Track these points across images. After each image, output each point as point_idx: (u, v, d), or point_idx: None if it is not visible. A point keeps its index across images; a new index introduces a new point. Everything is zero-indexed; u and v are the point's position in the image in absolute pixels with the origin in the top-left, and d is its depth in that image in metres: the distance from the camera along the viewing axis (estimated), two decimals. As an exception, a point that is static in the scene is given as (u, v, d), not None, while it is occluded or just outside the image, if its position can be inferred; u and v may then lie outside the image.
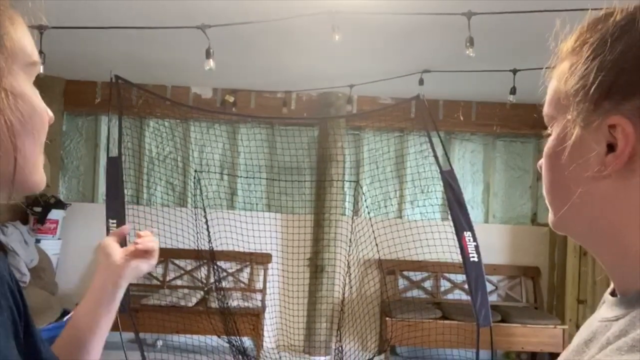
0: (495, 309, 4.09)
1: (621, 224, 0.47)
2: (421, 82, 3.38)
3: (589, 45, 0.48)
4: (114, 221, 3.23)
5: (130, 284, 3.46)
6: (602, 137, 0.46)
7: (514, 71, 3.05)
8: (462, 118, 4.53)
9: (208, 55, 2.22)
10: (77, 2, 2.37)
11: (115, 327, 2.93)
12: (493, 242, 4.49)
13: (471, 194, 4.68)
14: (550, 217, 0.55)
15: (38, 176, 0.60)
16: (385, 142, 4.57)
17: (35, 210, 3.99)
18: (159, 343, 4.30)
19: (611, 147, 0.46)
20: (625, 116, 0.45)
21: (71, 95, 4.44)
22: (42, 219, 3.98)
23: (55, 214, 4.10)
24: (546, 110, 0.55)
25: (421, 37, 2.96)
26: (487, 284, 4.45)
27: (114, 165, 3.29)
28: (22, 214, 4.03)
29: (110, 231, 3.21)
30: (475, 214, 4.64)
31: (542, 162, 0.54)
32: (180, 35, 2.82)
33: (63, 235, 4.24)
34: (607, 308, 0.50)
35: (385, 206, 4.50)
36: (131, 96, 4.39)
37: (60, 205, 4.18)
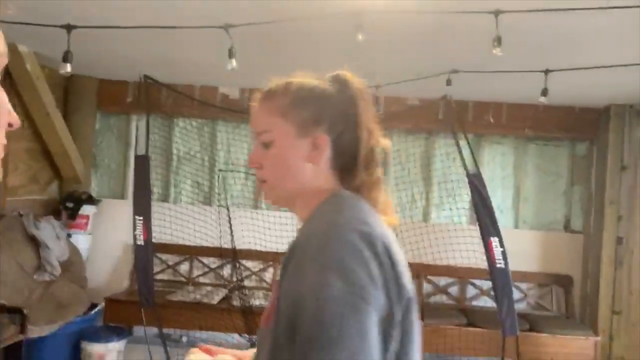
0: (524, 318, 3.96)
1: (313, 188, 0.90)
2: (449, 82, 3.31)
3: (303, 96, 0.94)
4: (141, 218, 3.30)
5: (156, 280, 3.55)
6: (311, 142, 0.90)
7: (546, 72, 2.95)
8: (492, 120, 4.41)
9: (230, 54, 2.23)
10: (105, 2, 2.43)
11: (139, 322, 2.97)
12: (523, 249, 4.35)
13: (501, 199, 4.55)
14: (270, 193, 0.95)
15: None
16: (412, 143, 4.50)
17: (68, 206, 4.12)
18: (184, 339, 4.36)
19: (314, 147, 0.90)
20: (324, 133, 0.90)
21: (104, 94, 4.55)
22: (73, 214, 4.10)
23: (86, 210, 4.22)
24: (263, 127, 0.93)
25: (449, 37, 2.90)
26: (516, 291, 4.33)
27: (142, 163, 3.36)
28: (55, 209, 4.16)
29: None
30: (504, 219, 4.50)
31: (266, 157, 0.92)
32: (207, 36, 2.84)
33: (94, 230, 4.36)
34: None
35: (410, 209, 4.42)
36: (160, 96, 4.47)
37: (91, 201, 4.30)
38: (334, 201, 0.86)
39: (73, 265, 3.90)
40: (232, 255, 3.87)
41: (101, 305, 3.87)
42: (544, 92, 2.95)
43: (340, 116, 0.91)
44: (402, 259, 0.81)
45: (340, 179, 0.91)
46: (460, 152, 3.15)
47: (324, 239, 0.75)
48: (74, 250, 3.99)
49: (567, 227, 4.50)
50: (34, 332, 3.15)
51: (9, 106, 0.55)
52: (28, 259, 3.57)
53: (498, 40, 2.13)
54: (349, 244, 0.74)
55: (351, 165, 0.91)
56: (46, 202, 4.25)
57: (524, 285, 4.40)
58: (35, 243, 3.66)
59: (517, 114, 4.38)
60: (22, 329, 3.05)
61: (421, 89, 3.98)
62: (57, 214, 4.12)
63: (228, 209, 3.96)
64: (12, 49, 3.41)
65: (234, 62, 2.25)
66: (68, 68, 2.33)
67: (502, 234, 3.18)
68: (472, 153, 3.22)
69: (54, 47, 2.90)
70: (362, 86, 0.95)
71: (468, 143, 3.18)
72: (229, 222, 3.81)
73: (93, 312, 3.74)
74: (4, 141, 0.57)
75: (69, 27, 2.22)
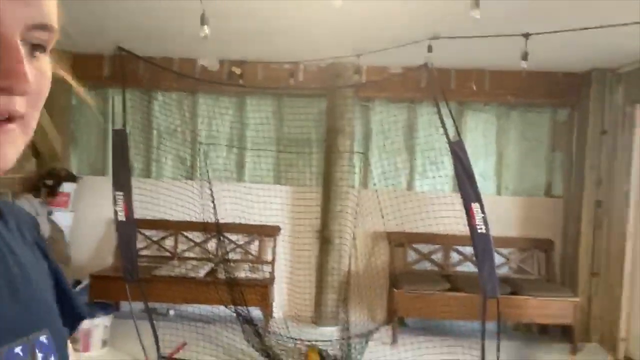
0: (506, 282, 4.05)
1: None
2: (430, 49, 3.26)
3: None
4: (121, 193, 3.25)
5: (142, 255, 3.55)
6: None
7: (526, 35, 2.92)
8: (474, 88, 4.40)
9: (203, 21, 2.16)
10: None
11: (125, 297, 2.96)
12: (505, 215, 4.42)
13: (483, 166, 4.59)
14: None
15: None
16: (395, 112, 4.47)
17: (47, 183, 4.05)
18: (171, 312, 4.39)
19: None
20: None
21: (79, 69, 4.40)
22: (53, 191, 4.04)
23: (66, 187, 4.16)
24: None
25: (428, 1, 2.85)
26: (499, 256, 4.41)
27: (120, 138, 3.30)
28: (34, 187, 4.10)
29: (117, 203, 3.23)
30: (487, 185, 4.55)
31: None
32: (182, 5, 2.76)
33: (75, 207, 4.31)
34: None
35: (394, 177, 4.43)
36: (138, 69, 4.37)
37: (71, 178, 4.24)
38: None
39: (54, 242, 3.86)
40: (216, 229, 3.86)
41: (85, 281, 3.86)
42: (525, 57, 2.92)
43: None
44: None
45: None
46: (442, 120, 3.14)
47: None
48: (55, 228, 3.95)
49: (548, 193, 4.56)
50: (18, 309, 3.14)
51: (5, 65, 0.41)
52: (8, 237, 3.52)
53: (476, 2, 2.09)
54: None
55: None
56: (24, 180, 4.17)
57: (506, 251, 4.47)
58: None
59: (499, 81, 4.37)
60: (5, 307, 3.03)
61: (403, 58, 3.93)
62: (36, 192, 4.06)
63: (210, 183, 3.93)
64: (-21, 22, 3.28)
65: (206, 29, 2.19)
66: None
67: (485, 200, 3.21)
68: (453, 120, 3.20)
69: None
70: None
71: (449, 110, 3.16)
72: (211, 195, 3.78)
73: (77, 288, 3.73)
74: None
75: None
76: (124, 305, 4.11)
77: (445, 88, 4.17)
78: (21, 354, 0.47)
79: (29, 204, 3.75)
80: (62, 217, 4.13)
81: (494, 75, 4.37)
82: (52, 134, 4.17)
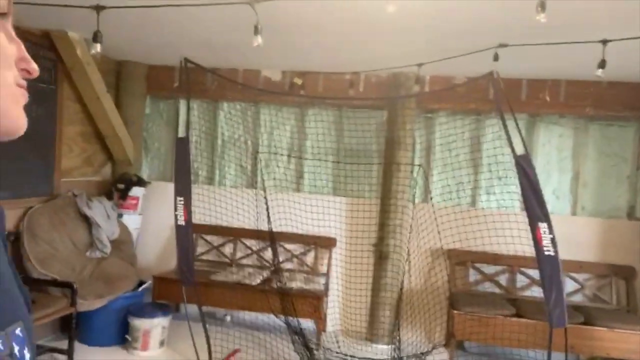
0: (579, 310, 3.71)
1: None
2: (496, 57, 3.10)
3: None
4: (182, 198, 3.37)
5: (202, 260, 3.65)
6: None
7: (604, 42, 2.67)
8: (548, 99, 4.11)
9: (256, 31, 2.19)
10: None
11: (180, 299, 3.03)
12: (580, 237, 4.06)
13: (557, 183, 4.26)
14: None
15: (8, 120, 0.52)
16: (460, 125, 4.28)
17: (119, 187, 4.30)
18: (228, 318, 4.46)
19: None
20: None
21: (153, 80, 4.70)
22: (124, 195, 4.27)
23: (136, 191, 4.39)
24: None
25: (495, 7, 2.69)
26: (572, 282, 4.06)
27: (182, 145, 3.43)
28: (107, 190, 4.36)
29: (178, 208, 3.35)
30: (561, 205, 4.22)
31: None
32: (245, 18, 2.81)
33: (144, 211, 4.54)
34: None
35: (457, 191, 4.23)
36: (205, 80, 4.54)
37: (141, 183, 4.47)
38: None
39: (123, 243, 4.08)
40: (270, 238, 3.89)
41: (149, 282, 4.03)
42: (602, 64, 2.68)
43: None
44: None
45: None
46: (507, 132, 2.95)
47: None
48: (124, 229, 4.17)
49: (630, 215, 4.14)
50: (84, 305, 3.33)
51: (26, 54, 0.57)
52: (81, 237, 3.77)
53: (542, 5, 1.94)
54: None
55: None
56: (99, 183, 4.46)
57: (580, 276, 4.11)
58: (87, 222, 3.85)
59: (576, 92, 4.05)
60: (73, 303, 3.23)
61: (470, 67, 3.76)
62: (109, 195, 4.32)
63: (265, 191, 3.98)
64: (63, 36, 3.57)
65: (259, 39, 2.21)
66: (98, 48, 2.39)
67: (558, 220, 2.98)
68: (520, 133, 3.00)
69: (105, 34, 2.99)
70: None
71: (515, 122, 2.97)
72: (266, 204, 3.82)
73: (141, 289, 3.89)
74: (24, 83, 0.56)
75: (98, 8, 2.26)
76: (184, 308, 4.24)
77: (515, 99, 3.94)
78: (1, 347, 0.48)
79: (101, 205, 3.99)
80: (131, 220, 4.36)
81: (571, 85, 4.06)
82: (126, 141, 4.43)
